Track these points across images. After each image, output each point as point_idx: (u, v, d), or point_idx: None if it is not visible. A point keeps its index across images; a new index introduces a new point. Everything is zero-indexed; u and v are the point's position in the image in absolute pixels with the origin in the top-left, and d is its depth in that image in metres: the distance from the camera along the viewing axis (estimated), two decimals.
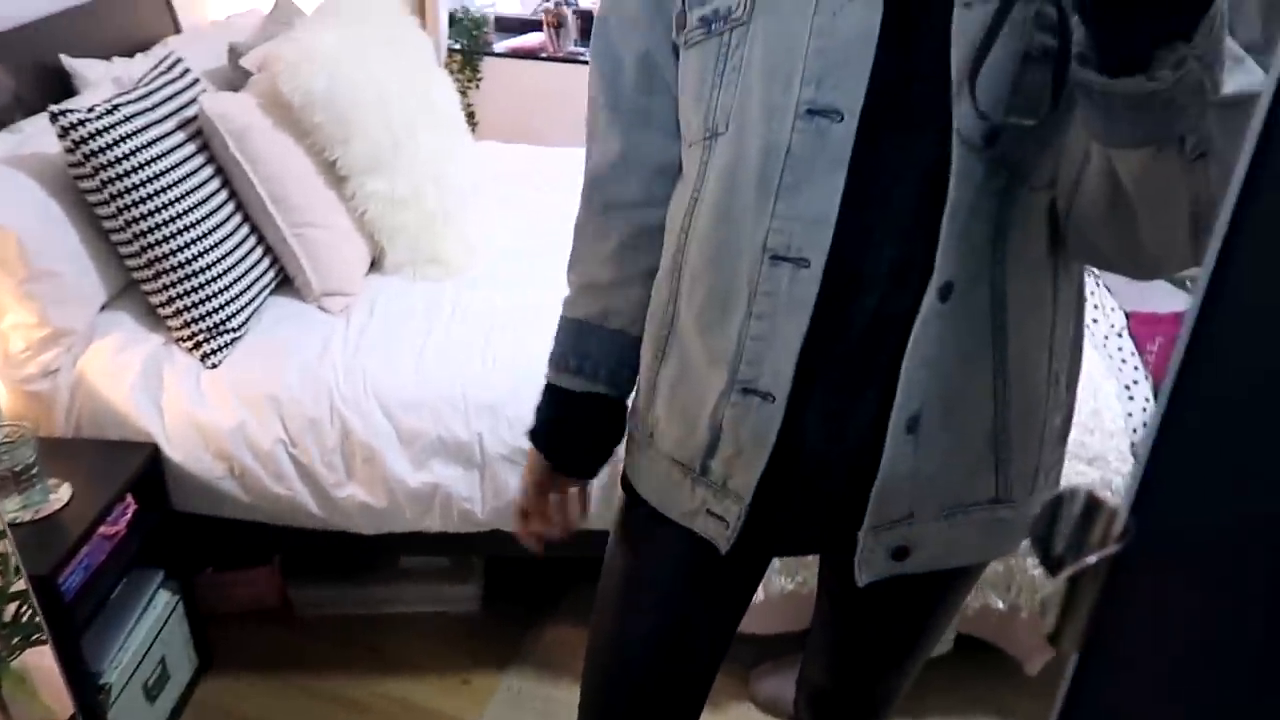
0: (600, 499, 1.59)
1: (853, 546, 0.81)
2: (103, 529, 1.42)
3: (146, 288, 1.60)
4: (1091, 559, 0.41)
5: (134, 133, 1.52)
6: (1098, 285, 2.00)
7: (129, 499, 1.49)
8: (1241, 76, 0.61)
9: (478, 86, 3.29)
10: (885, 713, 1.09)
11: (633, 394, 0.94)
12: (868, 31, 0.68)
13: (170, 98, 1.64)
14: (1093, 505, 0.43)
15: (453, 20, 3.20)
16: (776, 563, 1.55)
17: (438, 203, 1.90)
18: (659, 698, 0.99)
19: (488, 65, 3.31)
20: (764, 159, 0.73)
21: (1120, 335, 1.90)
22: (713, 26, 0.75)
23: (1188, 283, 2.37)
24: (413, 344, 1.69)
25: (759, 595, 1.53)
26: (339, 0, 1.99)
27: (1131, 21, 0.58)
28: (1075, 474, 1.54)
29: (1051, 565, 0.44)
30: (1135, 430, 1.63)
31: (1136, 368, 1.82)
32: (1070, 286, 0.80)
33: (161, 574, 1.60)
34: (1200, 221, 0.65)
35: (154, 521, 1.53)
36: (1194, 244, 0.66)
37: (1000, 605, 1.58)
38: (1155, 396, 1.79)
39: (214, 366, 1.59)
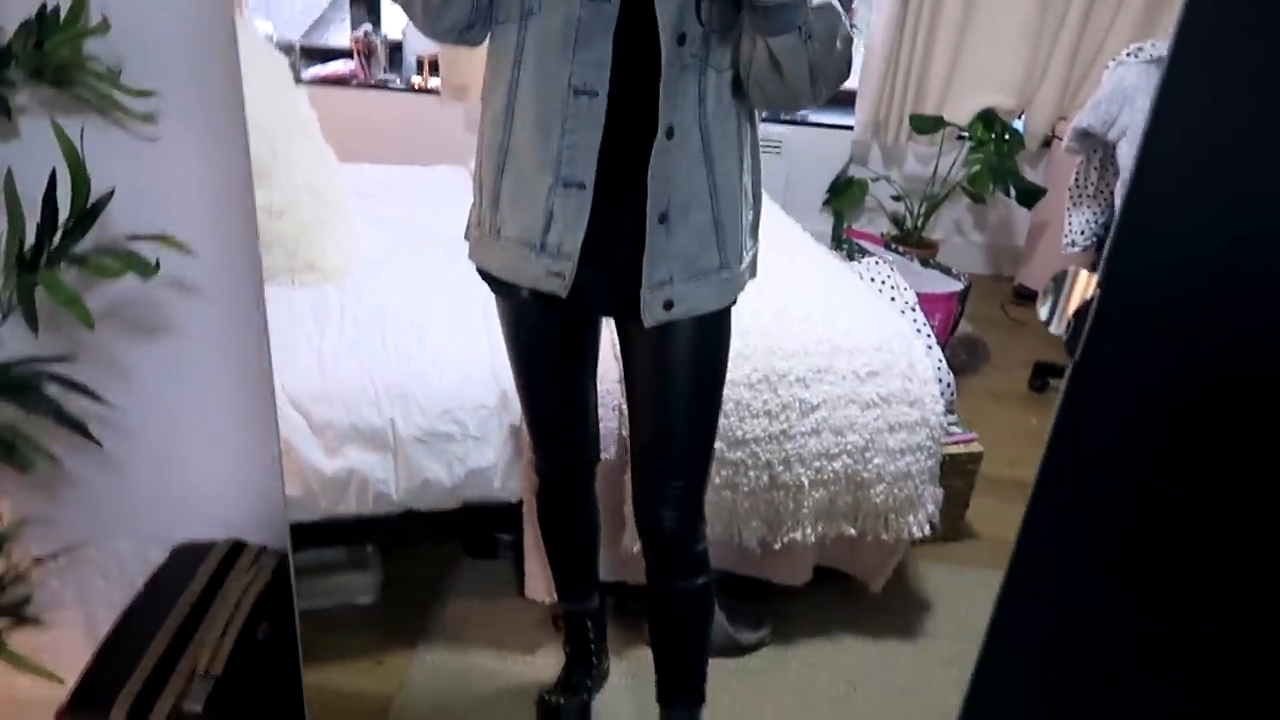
0: (500, 474, 1.74)
1: (638, 309, 1.23)
2: None
3: None
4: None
5: None
6: (893, 271, 2.39)
7: None
8: None
9: None
10: (700, 463, 1.43)
11: (475, 209, 1.31)
12: None
13: None
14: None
15: None
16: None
17: (313, 213, 1.98)
18: (556, 406, 1.49)
19: None
20: (565, 27, 1.13)
21: (915, 310, 2.29)
22: None
23: (954, 270, 2.85)
24: (310, 344, 1.77)
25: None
26: None
27: None
28: (901, 414, 1.87)
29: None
30: (941, 380, 1.99)
31: (929, 335, 2.21)
32: (752, 128, 1.26)
33: None
34: (815, 75, 1.12)
35: None
36: (814, 89, 1.15)
37: (851, 531, 1.87)
38: (944, 352, 2.19)
39: None
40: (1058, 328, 0.70)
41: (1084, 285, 0.68)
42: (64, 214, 0.97)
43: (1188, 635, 0.77)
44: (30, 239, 0.99)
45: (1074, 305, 0.68)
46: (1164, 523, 0.74)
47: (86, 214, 0.97)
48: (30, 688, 1.33)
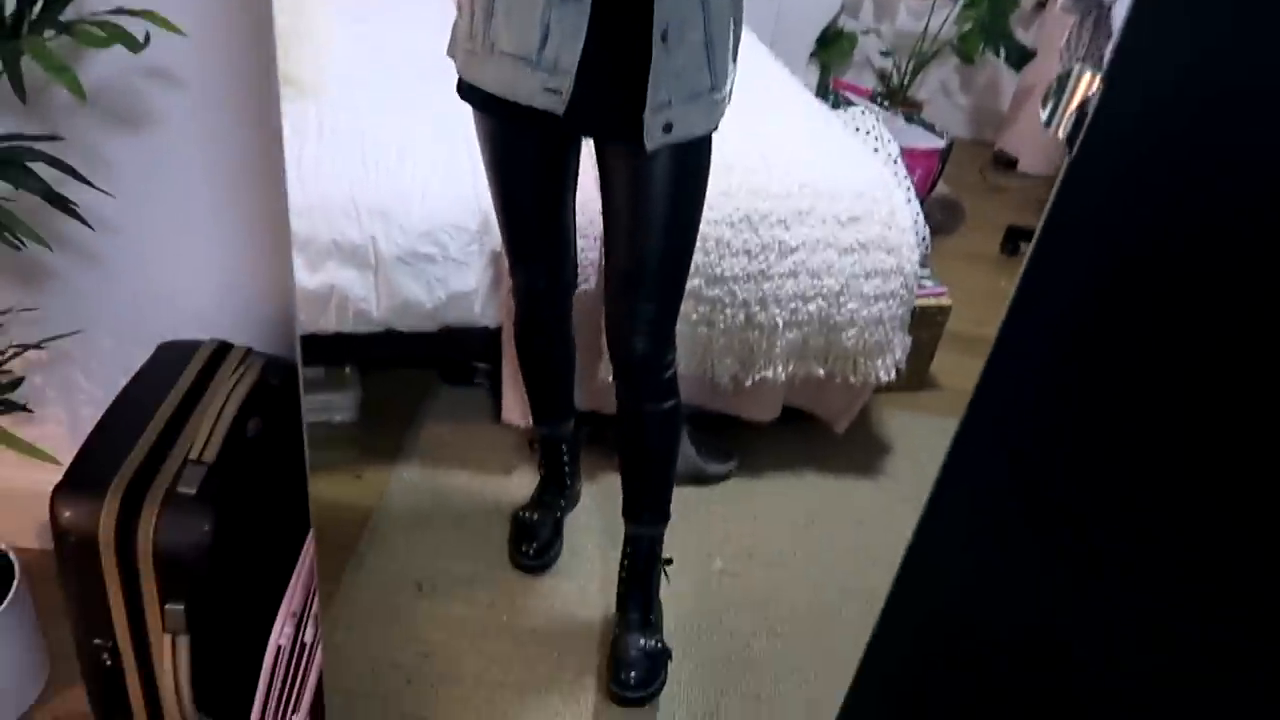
0: (480, 299, 1.76)
1: (632, 131, 1.22)
2: None
3: None
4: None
5: None
6: (877, 122, 2.37)
7: None
8: None
9: None
10: (673, 290, 1.45)
11: (464, 21, 1.27)
12: None
13: None
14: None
15: None
16: None
17: (289, 23, 1.91)
18: (536, 228, 1.51)
19: None
20: None
21: (897, 161, 2.30)
22: None
23: (937, 127, 2.84)
24: (289, 155, 1.73)
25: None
26: None
27: None
28: (878, 260, 1.90)
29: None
30: (918, 233, 2.02)
31: (910, 188, 2.22)
32: None
33: None
34: None
35: None
36: None
37: (820, 372, 1.93)
38: (922, 209, 2.21)
39: None
40: (1058, 127, 0.72)
41: (1086, 84, 0.69)
42: None
43: (1134, 488, 0.82)
44: (11, 5, 0.95)
45: (1075, 102, 0.70)
46: (1136, 367, 0.77)
47: None
48: (18, 477, 1.36)
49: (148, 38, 0.99)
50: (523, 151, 1.39)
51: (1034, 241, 0.78)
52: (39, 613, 1.46)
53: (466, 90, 1.33)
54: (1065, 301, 0.78)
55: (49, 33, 0.98)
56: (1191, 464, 0.79)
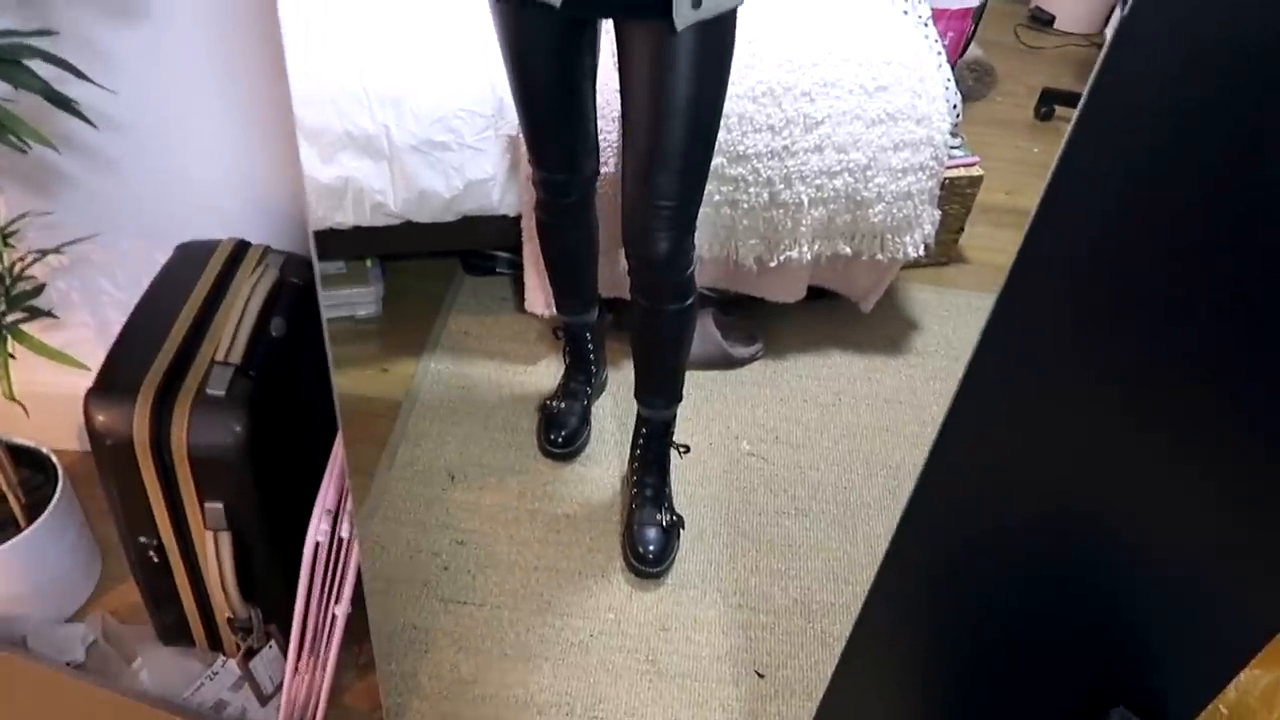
0: (499, 186, 1.72)
1: (650, 9, 1.16)
2: None
3: None
4: None
5: None
6: None
7: None
8: None
9: None
10: (695, 181, 1.38)
11: None
12: None
13: None
14: None
15: None
16: None
17: None
18: (556, 117, 1.45)
19: None
20: None
21: (927, 25, 2.18)
22: None
23: None
24: (294, 44, 1.68)
25: None
26: None
27: None
28: (907, 131, 1.83)
29: None
30: (949, 100, 1.94)
31: (940, 52, 2.12)
32: None
33: None
34: None
35: None
36: None
37: (847, 251, 1.89)
38: (953, 74, 2.12)
39: None
40: None
41: None
42: None
43: (1173, 369, 0.79)
44: None
45: None
46: (1171, 245, 0.74)
47: None
48: (52, 381, 1.38)
49: None
50: (539, 39, 1.33)
51: (1078, 110, 0.74)
52: (87, 512, 1.50)
53: None
54: (1110, 176, 0.74)
55: None
56: (1240, 336, 0.76)
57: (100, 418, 1.14)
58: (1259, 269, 0.72)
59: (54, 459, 1.43)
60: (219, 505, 1.17)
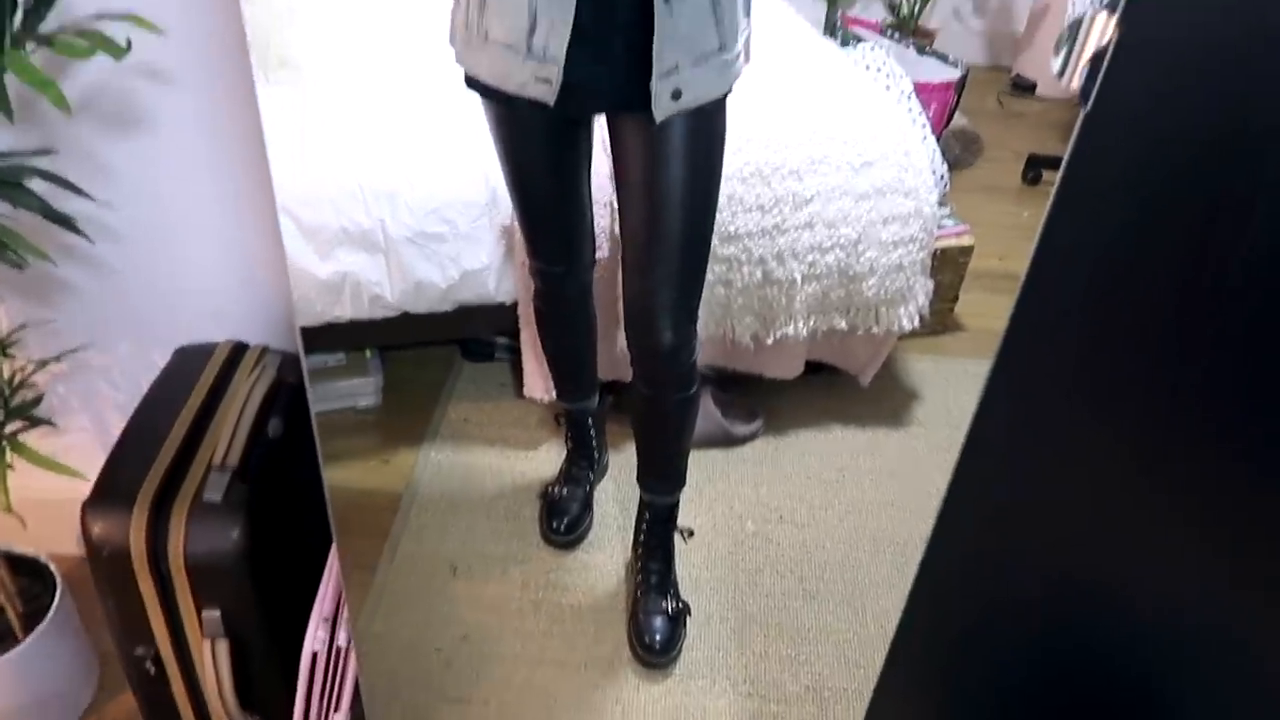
0: (494, 274, 1.74)
1: (639, 102, 1.17)
2: None
3: None
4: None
5: None
6: (888, 58, 2.30)
7: None
8: None
9: None
10: (695, 270, 1.38)
11: (461, 10, 1.23)
12: None
13: None
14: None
15: None
16: None
17: (284, 5, 1.87)
18: (552, 212, 1.46)
19: None
20: None
21: (910, 98, 2.23)
22: None
23: (950, 57, 2.76)
24: (289, 145, 1.71)
25: None
26: None
27: None
28: (895, 205, 1.85)
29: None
30: (936, 171, 1.97)
31: (924, 125, 2.16)
32: None
33: None
34: None
35: None
36: None
37: (842, 325, 1.90)
38: (938, 144, 2.15)
39: None
40: (1070, 77, 0.68)
41: (1101, 29, 0.65)
42: None
43: (1167, 424, 0.79)
44: None
45: (1089, 51, 0.66)
46: (1157, 305, 0.74)
47: None
48: (50, 488, 1.37)
49: (129, 43, 0.97)
50: (531, 135, 1.35)
51: (1053, 194, 0.75)
52: (85, 619, 1.48)
53: (471, 79, 1.29)
54: (1090, 245, 0.76)
55: (31, 46, 0.96)
56: (1231, 395, 0.76)
57: (97, 528, 1.14)
58: (1238, 328, 0.72)
59: (52, 567, 1.42)
60: (216, 613, 1.16)
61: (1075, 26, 0.69)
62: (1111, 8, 0.64)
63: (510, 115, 1.32)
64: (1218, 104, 0.65)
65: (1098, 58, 0.66)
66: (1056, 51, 0.72)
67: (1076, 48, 0.68)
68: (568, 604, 1.61)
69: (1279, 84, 0.64)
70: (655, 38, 1.13)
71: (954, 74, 2.64)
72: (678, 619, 1.55)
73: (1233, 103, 0.64)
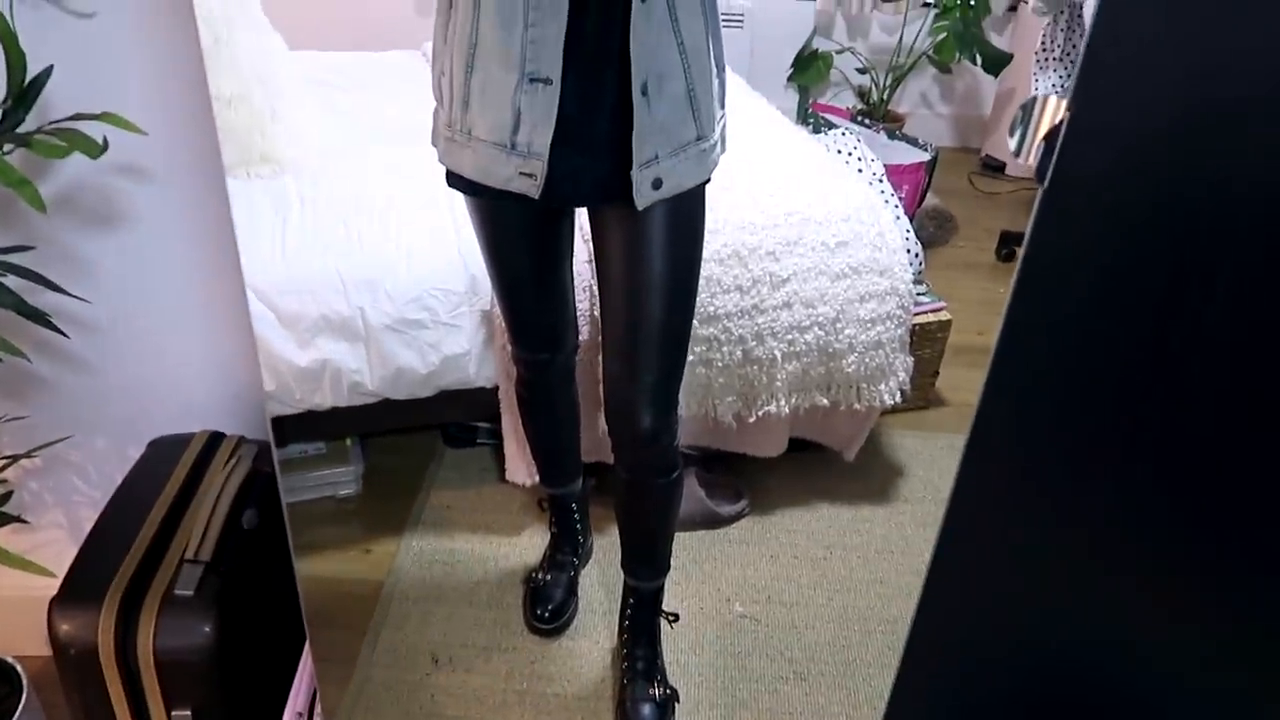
0: (474, 360, 1.74)
1: (621, 192, 1.19)
2: None
3: None
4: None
5: None
6: (859, 143, 2.36)
7: None
8: None
9: None
10: (676, 355, 1.38)
11: (444, 110, 1.25)
12: None
13: None
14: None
15: None
16: None
17: (265, 101, 1.91)
18: (535, 301, 1.47)
19: None
20: None
21: (882, 180, 2.28)
22: None
23: (920, 140, 2.83)
24: (272, 236, 1.73)
25: None
26: None
27: None
28: (871, 283, 1.88)
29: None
30: (910, 250, 2.00)
31: (897, 205, 2.21)
32: (713, 6, 1.21)
33: None
34: None
35: None
36: None
37: (824, 402, 1.90)
38: (912, 224, 2.20)
39: None
40: (1027, 156, 0.70)
41: (1053, 110, 0.68)
42: (0, 93, 0.93)
43: (1146, 490, 0.79)
44: None
45: (1043, 130, 0.68)
46: (1127, 377, 0.75)
47: (25, 91, 0.92)
48: (18, 586, 1.34)
49: (106, 143, 0.99)
50: (516, 230, 1.37)
51: (1017, 269, 0.76)
52: None
53: (453, 177, 1.30)
54: (1055, 319, 0.77)
55: (8, 146, 0.98)
56: (1199, 460, 0.77)
57: (64, 627, 1.11)
58: (1200, 404, 0.73)
59: (19, 668, 1.37)
60: (186, 713, 1.12)
61: (1028, 107, 0.71)
62: (1069, 69, 0.66)
63: (494, 210, 1.34)
64: (1167, 177, 0.67)
65: (1051, 136, 0.68)
66: (1012, 132, 0.74)
67: (1030, 128, 0.71)
68: (553, 693, 1.57)
69: (1227, 157, 0.66)
70: (635, 130, 1.15)
71: (924, 156, 2.71)
72: (666, 705, 1.51)
73: (1182, 175, 0.66)
